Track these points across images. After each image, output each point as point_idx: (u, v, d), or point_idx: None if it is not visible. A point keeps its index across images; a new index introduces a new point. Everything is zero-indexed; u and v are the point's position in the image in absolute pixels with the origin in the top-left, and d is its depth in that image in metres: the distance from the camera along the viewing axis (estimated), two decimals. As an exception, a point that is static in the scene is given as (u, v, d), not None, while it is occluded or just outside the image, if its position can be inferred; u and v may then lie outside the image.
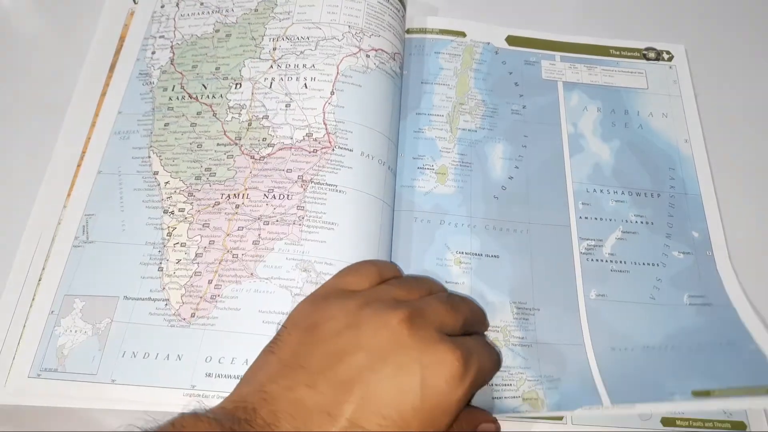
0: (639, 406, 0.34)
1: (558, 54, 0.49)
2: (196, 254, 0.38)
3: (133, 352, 0.35)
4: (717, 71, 0.50)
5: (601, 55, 0.50)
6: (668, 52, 0.50)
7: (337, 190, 0.39)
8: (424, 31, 0.49)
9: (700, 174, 0.45)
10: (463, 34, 0.49)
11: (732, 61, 0.51)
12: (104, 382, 0.34)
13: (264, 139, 0.41)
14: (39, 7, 0.51)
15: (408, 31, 0.48)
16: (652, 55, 0.50)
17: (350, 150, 0.40)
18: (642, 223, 0.43)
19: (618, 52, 0.50)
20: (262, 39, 0.45)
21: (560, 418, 0.36)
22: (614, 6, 0.53)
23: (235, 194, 0.39)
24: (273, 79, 0.43)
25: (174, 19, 0.47)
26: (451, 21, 0.49)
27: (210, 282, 0.37)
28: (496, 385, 0.36)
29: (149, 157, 0.42)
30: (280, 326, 0.32)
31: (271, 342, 0.31)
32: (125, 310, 0.36)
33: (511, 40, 0.49)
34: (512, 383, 0.36)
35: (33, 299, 0.37)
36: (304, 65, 0.43)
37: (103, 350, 0.35)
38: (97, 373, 0.34)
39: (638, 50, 0.50)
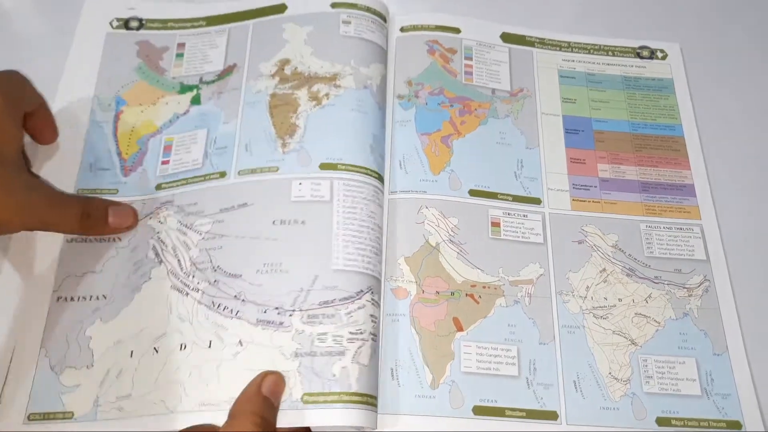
0: None
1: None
2: None
3: None
4: (712, 69, 0.50)
5: (595, 53, 0.50)
6: (662, 51, 0.50)
7: None
8: (418, 27, 0.48)
9: (696, 172, 0.45)
10: (457, 31, 0.49)
11: (728, 60, 0.51)
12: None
13: None
14: (38, 7, 0.50)
15: (402, 29, 0.48)
16: (645, 53, 0.50)
17: None
18: None
19: (612, 51, 0.50)
20: None
21: (556, 418, 0.36)
22: (608, 4, 0.53)
23: None
24: None
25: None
26: (445, 17, 0.49)
27: None
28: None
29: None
30: None
31: None
32: None
33: (506, 37, 0.49)
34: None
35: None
36: None
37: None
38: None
39: (632, 48, 0.50)
